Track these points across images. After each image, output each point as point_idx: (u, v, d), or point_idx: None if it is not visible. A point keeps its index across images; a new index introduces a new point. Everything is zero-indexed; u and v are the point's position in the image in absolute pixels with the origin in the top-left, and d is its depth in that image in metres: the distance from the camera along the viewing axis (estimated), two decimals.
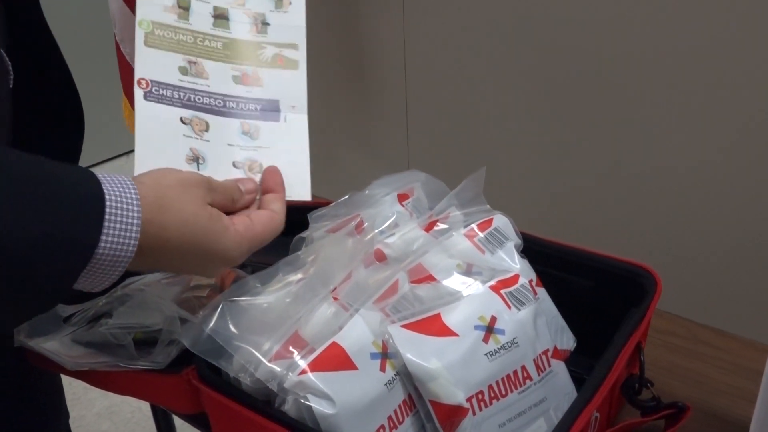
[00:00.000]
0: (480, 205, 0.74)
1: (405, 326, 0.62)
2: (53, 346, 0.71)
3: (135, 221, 0.50)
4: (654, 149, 1.22)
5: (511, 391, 0.63)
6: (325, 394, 0.57)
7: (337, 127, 1.72)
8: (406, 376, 0.61)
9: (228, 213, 0.60)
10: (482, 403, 0.61)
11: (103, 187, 0.50)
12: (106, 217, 0.49)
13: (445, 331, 0.62)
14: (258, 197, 0.64)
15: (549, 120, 1.34)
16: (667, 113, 1.19)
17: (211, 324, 0.61)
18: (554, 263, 0.76)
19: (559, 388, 0.66)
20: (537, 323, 0.66)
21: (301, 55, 0.71)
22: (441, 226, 0.72)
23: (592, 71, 1.24)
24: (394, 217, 0.73)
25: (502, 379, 0.63)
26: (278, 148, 0.67)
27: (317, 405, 0.57)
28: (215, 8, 0.69)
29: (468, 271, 0.68)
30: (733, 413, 0.74)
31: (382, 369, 0.60)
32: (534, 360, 0.64)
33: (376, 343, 0.61)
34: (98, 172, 0.52)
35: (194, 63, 0.67)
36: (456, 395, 0.60)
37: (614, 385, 0.66)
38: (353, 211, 0.74)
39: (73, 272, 0.48)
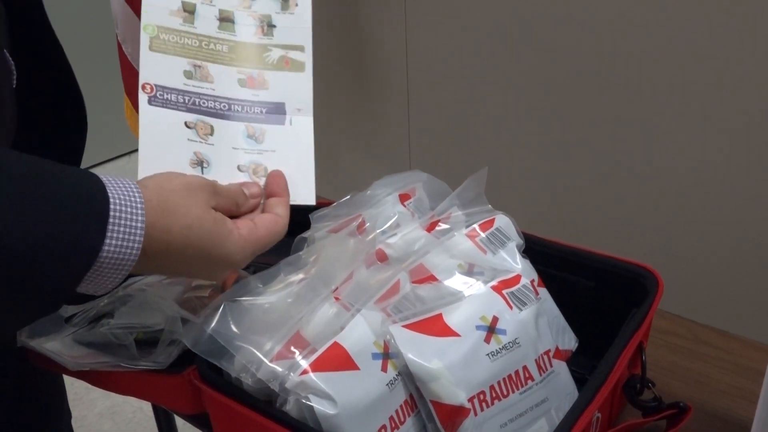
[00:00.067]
0: (481, 206, 0.74)
1: (406, 326, 0.62)
2: (55, 346, 0.71)
3: (139, 224, 0.50)
4: (655, 149, 1.22)
5: (513, 392, 0.63)
6: (327, 394, 0.57)
7: (339, 128, 1.72)
8: (408, 377, 0.61)
9: (232, 217, 0.60)
10: (484, 404, 0.61)
11: (108, 190, 0.50)
12: (110, 220, 0.49)
13: (447, 332, 0.62)
14: (262, 201, 0.64)
15: (550, 120, 1.34)
16: (668, 113, 1.19)
17: (213, 324, 0.61)
18: (556, 263, 0.76)
19: (561, 388, 0.66)
20: (539, 323, 0.66)
21: (307, 57, 0.71)
22: (442, 226, 0.72)
23: (592, 72, 1.24)
24: (396, 217, 0.73)
25: (504, 379, 0.63)
26: (283, 152, 0.67)
27: (319, 405, 0.57)
28: (220, 11, 0.69)
29: (469, 271, 0.68)
30: (735, 414, 0.74)
31: (384, 369, 0.60)
32: (535, 360, 0.64)
33: (378, 343, 0.61)
34: (102, 174, 0.52)
35: (199, 67, 0.66)
36: (457, 395, 0.60)
37: (616, 385, 0.66)
38: (355, 211, 0.74)
39: (76, 275, 0.48)
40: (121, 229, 0.49)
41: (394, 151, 1.63)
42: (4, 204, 0.45)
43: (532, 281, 0.69)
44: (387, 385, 0.60)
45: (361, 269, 0.67)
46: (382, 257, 0.69)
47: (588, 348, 0.70)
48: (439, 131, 1.53)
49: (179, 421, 1.14)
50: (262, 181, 0.65)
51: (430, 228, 0.72)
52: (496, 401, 0.62)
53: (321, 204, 0.77)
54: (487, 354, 0.62)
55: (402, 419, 0.61)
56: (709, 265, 1.24)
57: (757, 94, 1.09)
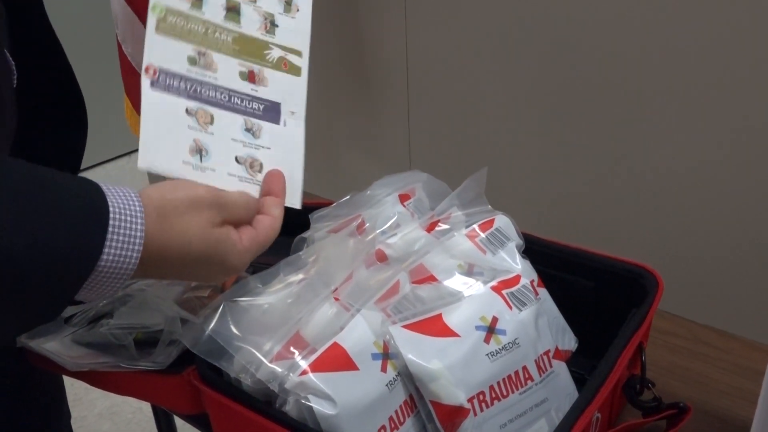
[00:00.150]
0: (481, 206, 0.74)
1: (406, 327, 0.62)
2: (54, 346, 0.71)
3: (138, 233, 0.50)
4: (655, 150, 1.22)
5: (513, 392, 0.63)
6: (326, 394, 0.57)
7: (339, 128, 1.72)
8: (407, 377, 0.61)
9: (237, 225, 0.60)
10: (483, 404, 0.61)
11: (107, 199, 0.50)
12: (110, 228, 0.49)
13: (447, 332, 0.62)
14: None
15: (550, 121, 1.34)
16: (668, 114, 1.19)
17: (212, 324, 0.61)
18: (556, 264, 0.76)
19: (561, 388, 0.66)
20: (538, 324, 0.66)
21: (304, 63, 0.71)
22: (442, 226, 0.72)
23: (592, 72, 1.24)
24: (396, 217, 0.73)
25: (504, 379, 0.63)
26: (277, 151, 0.67)
27: (318, 405, 0.57)
28: (228, 0, 0.68)
29: (469, 271, 0.68)
30: (735, 414, 0.74)
31: (383, 369, 0.60)
32: (535, 360, 0.64)
33: (378, 343, 0.61)
34: (103, 183, 0.51)
35: (203, 54, 0.66)
36: (457, 396, 0.60)
37: (615, 385, 0.66)
38: (354, 211, 0.74)
39: (75, 283, 0.48)
40: (121, 237, 0.49)
41: (394, 151, 1.63)
42: (3, 211, 0.45)
43: (532, 281, 0.69)
44: (387, 385, 0.60)
45: (360, 269, 0.67)
46: (382, 257, 0.69)
47: (588, 348, 0.70)
48: (439, 131, 1.53)
49: (179, 422, 1.14)
50: (257, 177, 0.65)
51: (430, 228, 0.72)
52: (495, 401, 0.62)
53: (320, 204, 0.77)
54: (487, 354, 0.62)
55: (402, 420, 0.61)
56: (708, 265, 1.24)
57: (756, 96, 1.09)
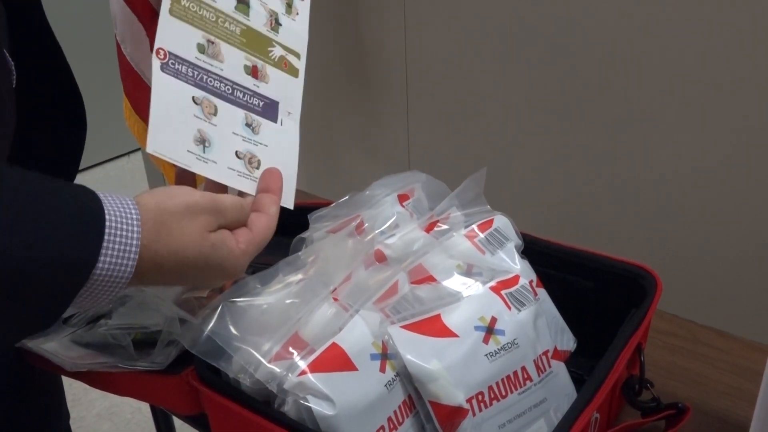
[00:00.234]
0: (480, 206, 0.74)
1: (405, 327, 0.62)
2: (53, 347, 0.71)
3: (134, 242, 0.50)
4: (655, 150, 1.22)
5: (512, 392, 0.63)
6: (325, 395, 0.57)
7: (338, 128, 1.72)
8: (406, 377, 0.61)
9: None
10: (482, 404, 0.61)
11: (104, 206, 0.49)
12: (106, 236, 0.48)
13: (445, 332, 0.62)
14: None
15: (549, 121, 1.34)
16: (667, 114, 1.19)
17: (211, 325, 0.61)
18: (555, 264, 0.76)
19: (560, 388, 0.66)
20: (537, 324, 0.66)
21: (302, 66, 0.71)
22: (441, 226, 0.72)
23: (591, 73, 1.24)
24: (395, 217, 0.73)
25: (503, 379, 0.63)
26: (273, 150, 0.67)
27: (317, 406, 0.57)
28: None
29: (468, 271, 0.68)
30: (734, 414, 0.74)
31: (382, 370, 0.60)
32: (534, 361, 0.64)
33: (376, 343, 0.61)
34: (99, 191, 0.51)
35: (212, 43, 0.65)
36: (456, 396, 0.60)
37: (614, 385, 0.66)
38: (354, 211, 0.74)
39: (71, 291, 0.48)
40: (117, 245, 0.49)
41: (393, 152, 1.63)
42: (2, 220, 0.44)
43: (531, 282, 0.69)
44: (385, 385, 0.60)
45: (359, 270, 0.67)
46: (381, 258, 0.69)
47: (587, 348, 0.70)
48: (438, 132, 1.53)
49: (177, 422, 1.14)
50: (255, 173, 0.64)
51: (429, 228, 0.72)
52: (494, 402, 0.62)
53: (319, 204, 0.77)
54: (486, 354, 0.62)
55: (400, 420, 0.61)
56: (707, 265, 1.24)
57: (756, 97, 1.09)
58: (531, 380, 0.64)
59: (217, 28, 0.65)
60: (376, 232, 0.72)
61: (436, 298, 0.65)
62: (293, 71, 0.70)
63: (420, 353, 0.61)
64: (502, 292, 0.65)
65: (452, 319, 0.63)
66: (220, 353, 0.61)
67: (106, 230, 0.49)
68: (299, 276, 0.66)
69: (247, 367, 0.60)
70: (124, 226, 0.50)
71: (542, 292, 0.70)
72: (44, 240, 0.46)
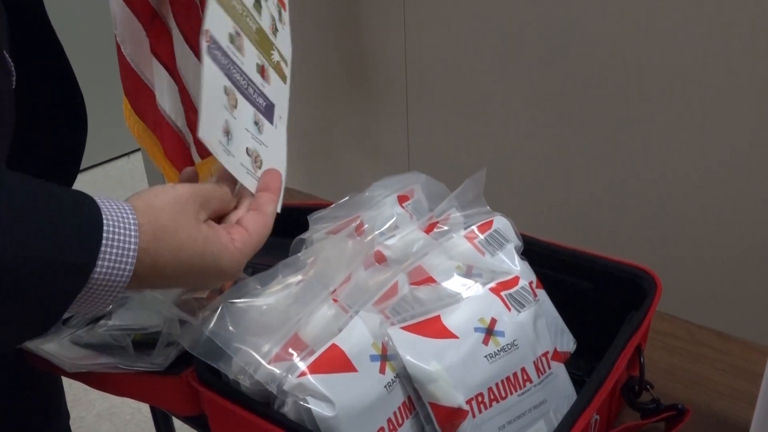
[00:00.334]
0: (480, 207, 0.74)
1: (405, 328, 0.62)
2: (52, 347, 0.71)
3: (132, 245, 0.50)
4: (655, 151, 1.22)
5: (511, 394, 0.63)
6: (325, 396, 0.57)
7: (338, 128, 1.72)
8: (406, 378, 0.61)
9: (225, 215, 0.60)
10: (482, 406, 0.61)
11: (102, 211, 0.50)
12: (104, 242, 0.49)
13: (445, 333, 0.62)
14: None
15: (549, 122, 1.34)
16: (666, 116, 1.19)
17: (211, 326, 0.61)
18: (554, 265, 0.76)
19: (559, 390, 0.66)
20: (537, 325, 0.66)
21: (289, 73, 0.71)
22: (441, 227, 0.72)
23: (592, 74, 1.24)
24: (395, 218, 0.73)
25: (502, 381, 0.63)
26: (270, 151, 0.66)
27: (317, 407, 0.57)
28: None
29: (468, 272, 0.68)
30: (733, 415, 0.74)
31: (382, 371, 0.60)
32: (534, 362, 0.64)
33: (376, 345, 0.61)
34: (99, 192, 0.51)
35: (239, 35, 0.64)
36: (456, 397, 0.60)
37: (614, 387, 0.66)
38: (353, 212, 0.74)
39: (69, 295, 0.48)
40: (115, 250, 0.49)
41: (393, 153, 1.63)
42: (0, 224, 0.45)
43: (531, 283, 0.69)
44: (385, 386, 0.60)
45: (359, 271, 0.67)
46: (381, 259, 0.69)
47: (586, 350, 0.70)
48: (438, 133, 1.53)
49: (177, 423, 1.14)
50: (258, 172, 0.64)
51: (429, 229, 0.72)
52: (494, 403, 0.62)
53: (319, 205, 0.77)
54: (486, 356, 0.62)
55: (400, 421, 0.61)
56: (707, 266, 1.24)
57: (756, 98, 1.09)
58: (531, 381, 0.64)
59: (242, 22, 0.65)
60: (376, 233, 0.72)
61: (435, 299, 0.65)
62: (283, 77, 0.71)
63: (420, 354, 0.61)
64: (502, 294, 0.65)
65: (452, 320, 0.63)
66: (220, 354, 0.61)
67: (104, 233, 0.49)
68: (299, 277, 0.66)
69: (247, 368, 0.60)
70: (122, 230, 0.50)
71: (542, 294, 0.70)
72: (43, 243, 0.46)
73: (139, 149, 2.63)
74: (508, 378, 0.63)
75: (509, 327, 0.64)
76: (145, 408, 1.81)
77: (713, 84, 1.12)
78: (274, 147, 0.67)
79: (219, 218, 0.60)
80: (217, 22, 0.61)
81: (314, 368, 0.58)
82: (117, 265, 0.49)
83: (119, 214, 0.50)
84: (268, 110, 0.67)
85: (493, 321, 0.63)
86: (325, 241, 0.71)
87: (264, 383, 0.59)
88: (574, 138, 1.31)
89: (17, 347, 0.72)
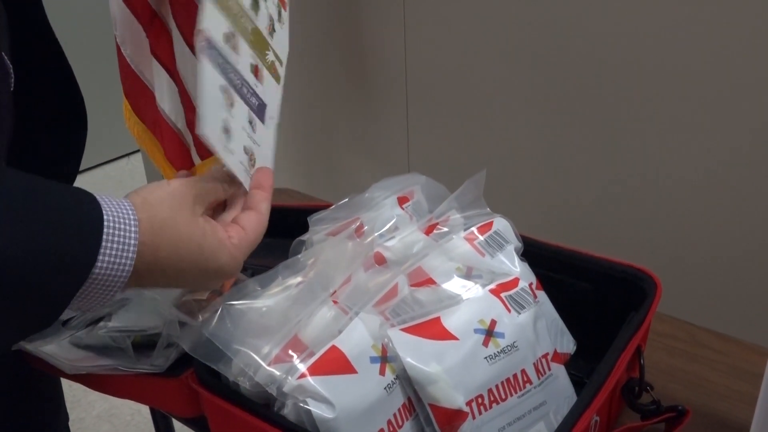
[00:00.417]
0: (480, 208, 0.74)
1: (404, 330, 0.62)
2: (52, 349, 0.71)
3: (132, 241, 0.50)
4: (654, 153, 1.22)
5: (511, 395, 0.63)
6: (325, 398, 0.57)
7: (337, 130, 1.72)
8: (406, 380, 0.61)
9: (219, 206, 0.60)
10: (482, 407, 0.61)
11: (102, 208, 0.50)
12: (104, 236, 0.49)
13: (445, 335, 0.62)
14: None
15: (549, 124, 1.34)
16: (667, 118, 1.19)
17: (211, 327, 0.61)
18: (554, 266, 0.76)
19: (559, 391, 0.66)
20: (537, 326, 0.66)
21: (283, 73, 0.71)
22: (441, 229, 0.72)
23: (592, 75, 1.24)
24: (394, 220, 0.73)
25: (502, 382, 0.63)
26: (261, 151, 0.66)
27: (316, 409, 0.57)
28: None
29: (468, 274, 0.68)
30: (733, 417, 0.74)
31: (382, 373, 0.60)
32: (534, 363, 0.64)
33: (376, 346, 0.61)
34: (98, 192, 0.52)
35: (234, 36, 0.65)
36: (456, 399, 0.60)
37: (614, 388, 0.66)
38: (353, 214, 0.74)
39: (69, 290, 0.48)
40: (115, 246, 0.49)
41: (393, 154, 1.63)
42: (1, 222, 0.45)
43: (531, 284, 0.69)
44: (385, 388, 0.60)
45: (359, 272, 0.67)
46: (381, 260, 0.69)
47: (586, 351, 0.70)
48: (438, 134, 1.53)
49: (177, 424, 1.14)
50: (252, 171, 0.64)
51: (429, 231, 0.72)
52: (494, 405, 0.62)
53: (319, 206, 0.77)
54: (486, 357, 0.62)
55: (400, 423, 0.61)
56: (707, 268, 1.24)
57: (756, 99, 1.09)
58: (531, 383, 0.64)
59: (237, 22, 0.65)
60: (376, 234, 0.72)
61: (435, 300, 0.65)
62: (277, 78, 0.71)
63: (419, 356, 0.61)
64: (502, 295, 0.65)
65: (452, 321, 0.63)
66: (220, 356, 0.61)
67: (105, 230, 0.49)
68: (299, 279, 0.66)
69: (247, 370, 0.60)
70: (122, 225, 0.50)
71: (542, 295, 0.70)
72: (44, 239, 0.46)
73: (139, 150, 2.63)
74: (508, 379, 0.63)
75: (509, 328, 0.64)
76: (144, 409, 1.81)
77: (713, 84, 1.12)
78: (264, 146, 0.67)
79: (214, 212, 0.61)
80: (212, 22, 0.62)
81: (314, 370, 0.58)
82: (117, 260, 0.49)
83: (118, 210, 0.51)
84: (260, 110, 0.67)
85: (493, 322, 0.63)
86: (324, 243, 0.71)
87: (264, 385, 0.59)
88: (574, 139, 1.31)
89: (17, 348, 0.72)
